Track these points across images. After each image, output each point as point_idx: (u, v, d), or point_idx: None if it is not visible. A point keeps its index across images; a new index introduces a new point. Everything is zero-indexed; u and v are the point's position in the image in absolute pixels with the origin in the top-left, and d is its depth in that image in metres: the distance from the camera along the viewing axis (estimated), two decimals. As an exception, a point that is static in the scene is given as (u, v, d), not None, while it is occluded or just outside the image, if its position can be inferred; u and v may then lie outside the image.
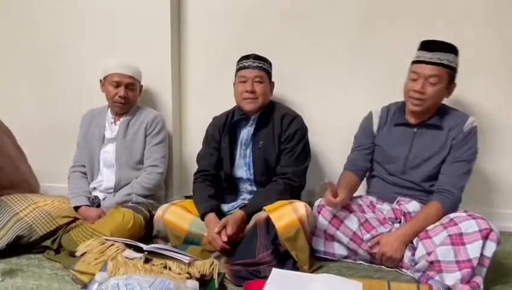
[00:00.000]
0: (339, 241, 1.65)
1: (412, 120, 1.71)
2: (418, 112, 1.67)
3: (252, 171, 1.85)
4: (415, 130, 1.71)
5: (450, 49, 1.60)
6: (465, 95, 1.99)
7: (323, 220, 1.64)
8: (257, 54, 1.86)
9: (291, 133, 1.80)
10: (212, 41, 2.27)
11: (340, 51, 2.14)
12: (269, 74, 1.89)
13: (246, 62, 1.83)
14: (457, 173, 1.62)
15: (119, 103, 1.94)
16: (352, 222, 1.62)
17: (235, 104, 1.93)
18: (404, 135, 1.73)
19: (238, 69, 1.87)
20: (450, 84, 1.63)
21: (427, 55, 1.60)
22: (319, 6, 2.13)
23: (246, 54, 1.87)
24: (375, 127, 1.80)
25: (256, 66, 1.82)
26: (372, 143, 1.81)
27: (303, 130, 1.84)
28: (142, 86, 2.07)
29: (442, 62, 1.58)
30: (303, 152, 1.81)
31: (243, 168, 1.86)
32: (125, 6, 2.22)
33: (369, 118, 1.84)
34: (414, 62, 1.66)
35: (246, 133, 1.86)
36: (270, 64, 1.89)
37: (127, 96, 1.94)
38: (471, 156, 1.64)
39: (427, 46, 1.62)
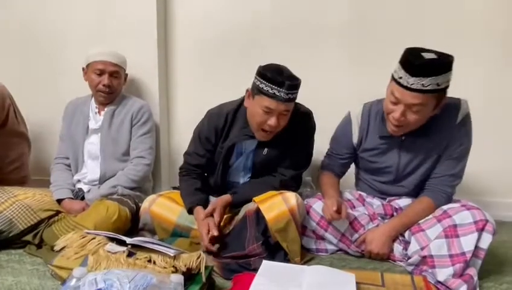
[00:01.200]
0: (329, 241, 1.61)
1: None
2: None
3: (249, 175, 1.74)
4: (403, 138, 1.52)
5: (439, 69, 1.29)
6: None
7: (311, 222, 1.59)
8: (289, 76, 1.49)
9: (301, 131, 1.66)
10: (201, 30, 2.21)
11: (334, 48, 2.10)
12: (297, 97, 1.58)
13: (278, 91, 1.45)
14: (452, 172, 1.50)
15: (103, 92, 1.87)
16: (340, 223, 1.56)
17: (237, 100, 1.69)
18: (392, 144, 1.54)
19: (263, 93, 1.48)
20: (439, 103, 1.38)
21: (409, 80, 1.31)
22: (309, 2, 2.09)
23: (275, 73, 1.47)
24: (355, 138, 1.61)
25: (288, 99, 1.48)
26: (349, 154, 1.67)
27: (312, 129, 1.70)
28: (127, 74, 2.00)
29: (426, 88, 1.29)
30: (307, 156, 1.72)
31: (239, 173, 1.75)
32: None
33: (347, 125, 1.63)
34: (394, 80, 1.37)
35: (251, 145, 1.67)
36: (300, 85, 1.53)
37: (112, 84, 1.87)
38: (465, 150, 1.50)
39: (411, 68, 1.30)
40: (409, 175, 1.58)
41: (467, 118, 1.47)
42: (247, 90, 1.59)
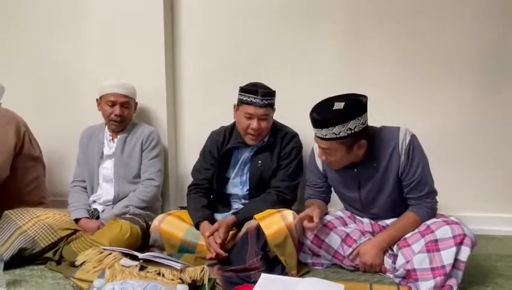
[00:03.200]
0: (324, 258, 1.72)
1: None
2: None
3: (247, 188, 1.93)
4: (356, 170, 1.66)
5: (332, 122, 1.49)
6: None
7: (306, 240, 1.70)
8: (263, 86, 1.82)
9: (288, 151, 1.89)
10: (206, 58, 2.37)
11: (334, 58, 2.24)
12: (274, 105, 1.87)
13: (254, 98, 1.77)
14: (422, 192, 1.59)
15: (115, 121, 2.04)
16: (333, 240, 1.68)
17: (234, 121, 1.97)
18: (349, 176, 1.69)
19: (244, 102, 1.81)
20: (352, 147, 1.55)
21: (315, 130, 1.57)
22: (312, 15, 2.23)
23: (251, 85, 1.81)
24: (320, 168, 1.79)
25: (264, 104, 1.78)
26: (323, 182, 1.81)
27: (299, 148, 1.93)
28: (137, 103, 2.17)
29: (326, 137, 1.53)
30: (297, 169, 1.90)
31: (238, 186, 1.95)
32: (120, 26, 2.34)
33: (312, 158, 1.82)
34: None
35: (245, 155, 1.92)
36: (275, 95, 1.86)
37: (123, 114, 2.04)
38: (422, 171, 1.58)
39: (311, 121, 1.57)
40: (373, 202, 1.70)
41: (410, 144, 1.57)
42: (234, 106, 1.90)
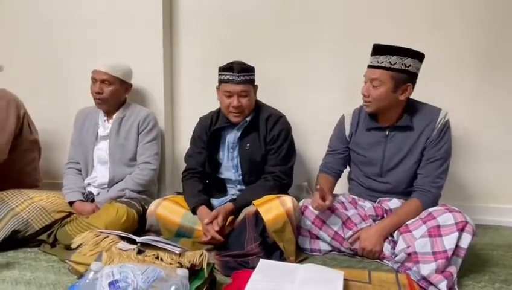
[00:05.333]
0: (323, 240, 1.72)
1: (382, 123, 1.73)
2: (373, 113, 1.71)
3: (240, 172, 1.90)
4: (387, 132, 1.72)
5: (393, 50, 1.57)
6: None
7: (306, 221, 1.71)
8: (240, 63, 1.80)
9: (276, 133, 1.85)
10: (204, 41, 2.33)
11: (326, 53, 2.22)
12: (253, 81, 1.86)
13: (230, 76, 1.77)
14: (434, 173, 1.65)
15: (95, 99, 2.00)
16: (334, 222, 1.69)
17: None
18: (377, 138, 1.74)
19: (222, 81, 1.81)
20: (399, 86, 1.61)
21: (370, 59, 1.65)
22: (308, 11, 2.20)
23: (228, 64, 1.80)
24: (347, 132, 1.83)
25: (241, 81, 1.77)
26: (346, 147, 1.85)
27: (287, 130, 1.88)
28: (131, 84, 2.11)
29: (380, 65, 1.59)
30: (289, 151, 1.88)
31: (231, 170, 1.92)
32: (118, 7, 2.28)
33: (341, 122, 1.86)
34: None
35: (232, 136, 1.89)
36: (253, 71, 1.84)
37: (102, 91, 1.97)
38: (446, 153, 1.66)
39: (372, 50, 1.64)
40: (392, 169, 1.73)
41: (446, 125, 1.66)
42: (216, 87, 1.89)
